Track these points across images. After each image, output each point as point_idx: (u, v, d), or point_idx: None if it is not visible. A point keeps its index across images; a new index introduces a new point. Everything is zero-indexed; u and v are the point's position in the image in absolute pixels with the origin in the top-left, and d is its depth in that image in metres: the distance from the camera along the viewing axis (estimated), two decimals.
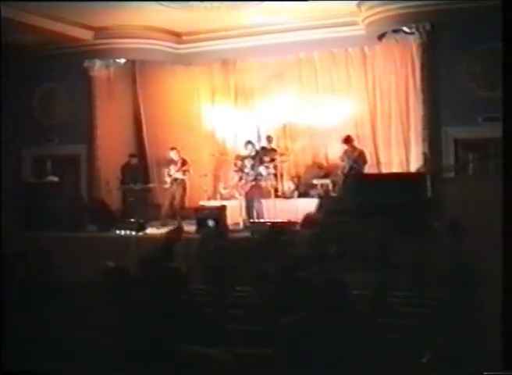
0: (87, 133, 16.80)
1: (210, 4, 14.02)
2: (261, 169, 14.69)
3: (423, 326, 5.66)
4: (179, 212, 14.99)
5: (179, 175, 15.05)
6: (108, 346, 4.91)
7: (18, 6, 13.49)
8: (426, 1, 13.42)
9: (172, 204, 15.16)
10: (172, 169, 15.13)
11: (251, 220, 14.01)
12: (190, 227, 13.44)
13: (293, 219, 13.30)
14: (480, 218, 9.50)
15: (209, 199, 15.88)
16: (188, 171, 15.12)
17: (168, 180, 15.17)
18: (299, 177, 16.01)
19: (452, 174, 13.64)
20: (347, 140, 14.35)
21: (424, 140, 14.08)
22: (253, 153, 15.08)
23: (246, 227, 13.78)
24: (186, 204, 15.39)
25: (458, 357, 5.53)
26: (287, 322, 4.68)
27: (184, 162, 15.14)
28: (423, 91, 14.12)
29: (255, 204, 14.43)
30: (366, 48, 15.63)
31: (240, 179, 14.76)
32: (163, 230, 12.94)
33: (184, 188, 15.25)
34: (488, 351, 5.59)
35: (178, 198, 15.16)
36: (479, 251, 9.24)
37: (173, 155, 15.27)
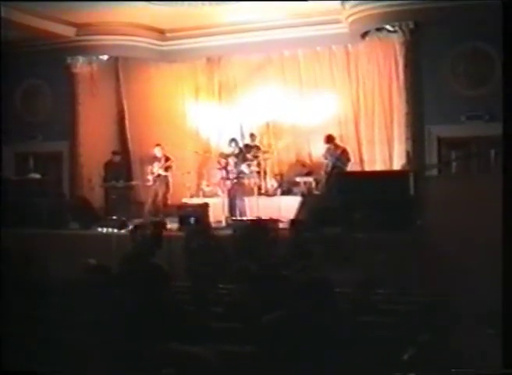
0: (69, 130, 16.75)
1: (194, 1, 14.00)
2: (244, 167, 14.68)
3: (406, 324, 5.66)
4: (162, 209, 14.98)
5: (162, 172, 15.07)
6: (89, 344, 4.88)
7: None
8: None
9: (154, 201, 15.17)
10: (156, 166, 15.13)
11: (234, 218, 14.00)
12: (172, 225, 13.42)
13: (275, 217, 13.30)
14: (463, 216, 9.52)
15: (192, 197, 15.85)
16: (171, 168, 15.13)
17: (150, 177, 15.17)
18: (282, 175, 16.02)
19: (435, 172, 13.69)
20: (329, 139, 14.38)
21: (407, 138, 14.12)
22: (236, 151, 15.07)
23: (228, 225, 13.75)
24: (170, 201, 15.38)
25: (445, 355, 5.55)
26: (269, 319, 4.67)
27: (167, 159, 15.16)
28: (406, 89, 14.15)
29: (238, 201, 14.43)
30: (349, 46, 15.66)
31: (223, 176, 14.75)
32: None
33: (167, 185, 15.28)
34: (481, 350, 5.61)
35: (161, 195, 15.17)
36: (462, 249, 9.28)
37: (157, 151, 15.28)
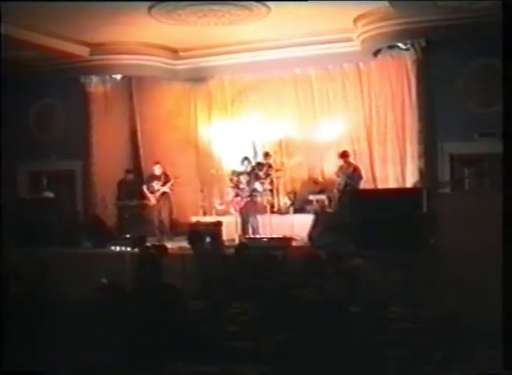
0: (83, 149, 16.80)
1: (206, 20, 14.07)
2: (257, 185, 14.68)
3: (421, 342, 5.64)
4: (172, 227, 15.08)
5: (166, 189, 15.14)
6: (102, 363, 4.88)
7: (14, 23, 13.50)
8: (421, 17, 13.46)
9: (161, 220, 15.21)
10: (155, 184, 15.19)
11: (247, 236, 13.98)
12: (185, 243, 13.45)
13: (288, 235, 13.28)
14: (476, 233, 9.49)
15: (204, 215, 15.88)
16: (172, 185, 15.20)
17: (151, 196, 15.21)
18: (295, 193, 15.99)
19: (448, 190, 13.64)
20: (343, 154, 14.41)
21: (419, 155, 14.11)
22: (249, 169, 15.07)
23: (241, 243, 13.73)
24: (182, 220, 15.44)
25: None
26: (283, 339, 4.66)
27: (167, 177, 15.21)
28: (418, 106, 14.16)
29: (251, 220, 14.42)
30: (361, 64, 15.68)
31: (236, 195, 14.75)
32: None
33: (170, 204, 15.33)
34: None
35: (165, 213, 15.22)
36: (476, 266, 9.24)
37: (157, 169, 15.36)
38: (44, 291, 7.05)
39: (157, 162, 15.55)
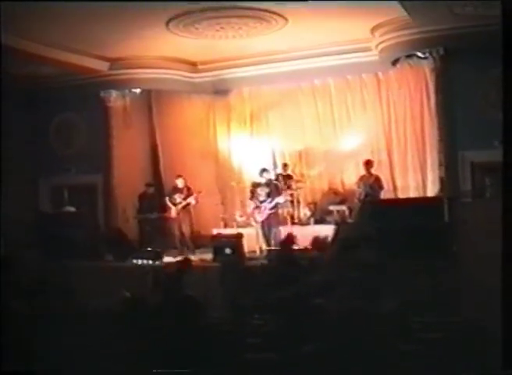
0: (103, 162, 16.88)
1: (224, 33, 14.11)
2: (279, 198, 14.54)
3: (443, 352, 5.60)
4: (193, 240, 15.08)
5: (189, 201, 15.14)
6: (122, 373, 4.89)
7: (34, 39, 13.63)
8: (439, 25, 13.43)
9: (182, 233, 15.20)
10: (177, 197, 15.19)
11: (268, 248, 13.96)
12: (206, 256, 13.47)
13: (309, 246, 13.25)
14: (498, 242, 9.41)
15: (225, 227, 15.89)
16: (196, 199, 15.18)
17: (173, 208, 15.21)
18: (315, 204, 15.97)
19: (469, 198, 13.56)
20: (368, 163, 14.40)
21: (440, 164, 14.06)
22: (268, 181, 15.04)
23: (263, 255, 13.73)
24: (203, 232, 15.46)
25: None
26: (306, 350, 4.64)
27: (189, 191, 15.21)
28: (438, 115, 14.12)
29: (272, 231, 14.39)
30: (380, 74, 15.67)
31: (256, 206, 14.74)
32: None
33: (190, 217, 15.33)
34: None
35: (186, 226, 15.21)
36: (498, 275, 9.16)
37: (179, 183, 15.35)
38: (66, 304, 7.07)
39: (179, 176, 15.56)
